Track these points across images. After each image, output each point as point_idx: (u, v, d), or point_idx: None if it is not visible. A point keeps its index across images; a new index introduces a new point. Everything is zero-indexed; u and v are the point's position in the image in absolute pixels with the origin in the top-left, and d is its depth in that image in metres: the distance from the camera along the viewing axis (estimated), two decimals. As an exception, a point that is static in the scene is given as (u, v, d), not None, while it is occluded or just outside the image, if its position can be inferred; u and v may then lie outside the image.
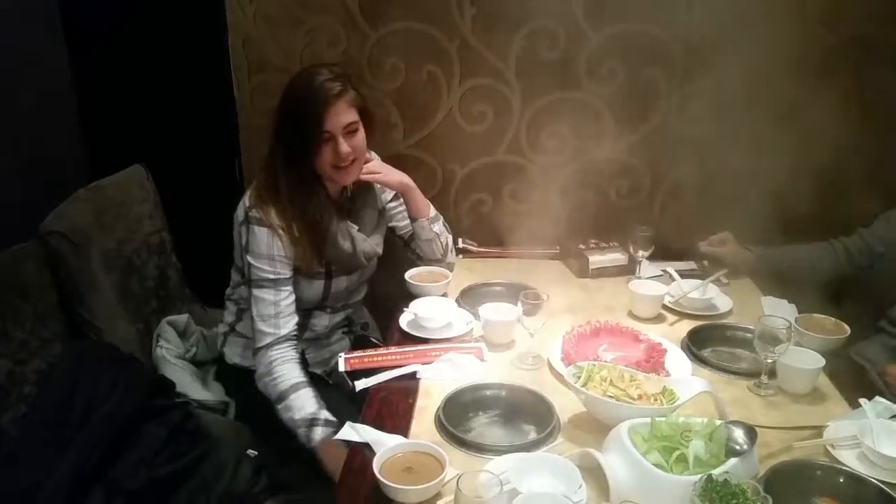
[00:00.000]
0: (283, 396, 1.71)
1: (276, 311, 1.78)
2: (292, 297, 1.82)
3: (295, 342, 1.80)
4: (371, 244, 1.96)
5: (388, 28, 2.33)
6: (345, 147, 1.78)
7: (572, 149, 2.46)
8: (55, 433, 1.54)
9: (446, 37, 2.33)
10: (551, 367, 1.67)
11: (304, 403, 1.68)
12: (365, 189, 1.99)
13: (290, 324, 1.79)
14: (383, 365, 1.69)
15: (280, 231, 1.78)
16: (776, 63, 2.26)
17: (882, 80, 2.29)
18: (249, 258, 1.79)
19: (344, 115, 1.77)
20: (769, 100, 2.33)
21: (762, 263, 2.12)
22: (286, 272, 1.80)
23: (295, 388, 1.70)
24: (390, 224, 2.11)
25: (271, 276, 1.78)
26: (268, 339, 1.77)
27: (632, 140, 2.44)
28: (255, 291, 1.79)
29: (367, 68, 2.37)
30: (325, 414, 1.67)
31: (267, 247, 1.78)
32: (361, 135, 1.83)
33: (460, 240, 2.37)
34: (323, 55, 2.32)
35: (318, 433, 1.63)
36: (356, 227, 1.93)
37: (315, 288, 1.90)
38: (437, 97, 2.41)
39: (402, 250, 2.16)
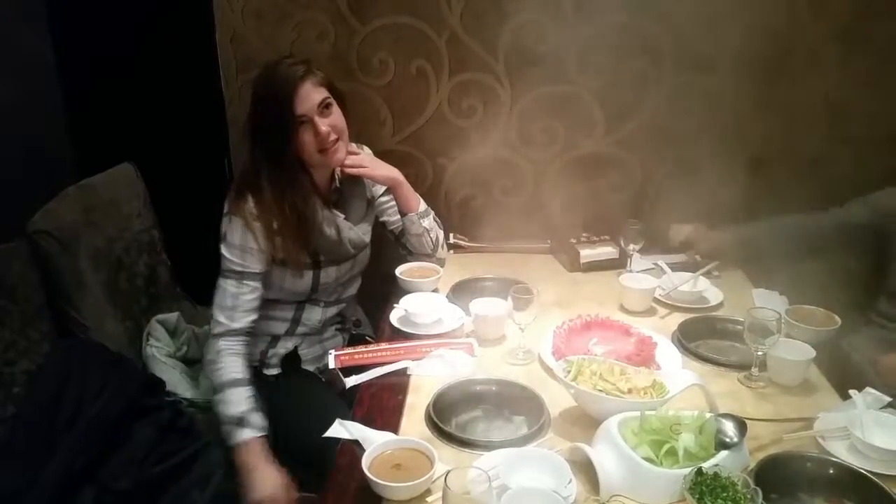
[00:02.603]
0: (220, 388, 1.69)
1: (234, 304, 1.76)
2: (255, 294, 1.79)
3: (247, 338, 1.78)
4: (357, 233, 1.94)
5: (377, 23, 2.32)
6: (323, 126, 1.77)
7: (562, 142, 2.45)
8: (44, 433, 1.54)
9: (435, 31, 2.32)
10: (542, 362, 1.67)
11: (238, 400, 1.66)
12: (354, 179, 1.98)
13: (245, 319, 1.77)
14: (374, 361, 1.69)
15: (256, 223, 1.77)
16: (764, 54, 2.26)
17: (867, 74, 2.29)
18: (223, 247, 1.78)
19: (314, 94, 1.76)
20: (758, 91, 2.33)
21: (738, 241, 2.11)
22: (255, 266, 1.78)
23: (233, 383, 1.69)
24: (381, 218, 2.11)
25: (238, 269, 1.77)
26: (220, 329, 1.75)
27: (622, 133, 2.44)
28: (220, 281, 1.78)
29: (356, 64, 2.36)
30: (255, 416, 1.66)
31: (241, 238, 1.77)
32: (338, 111, 1.81)
33: (451, 235, 2.36)
34: (311, 51, 2.30)
35: (243, 433, 1.62)
36: (342, 216, 1.91)
37: (304, 279, 1.89)
38: (426, 92, 2.40)
39: (392, 246, 2.16)
